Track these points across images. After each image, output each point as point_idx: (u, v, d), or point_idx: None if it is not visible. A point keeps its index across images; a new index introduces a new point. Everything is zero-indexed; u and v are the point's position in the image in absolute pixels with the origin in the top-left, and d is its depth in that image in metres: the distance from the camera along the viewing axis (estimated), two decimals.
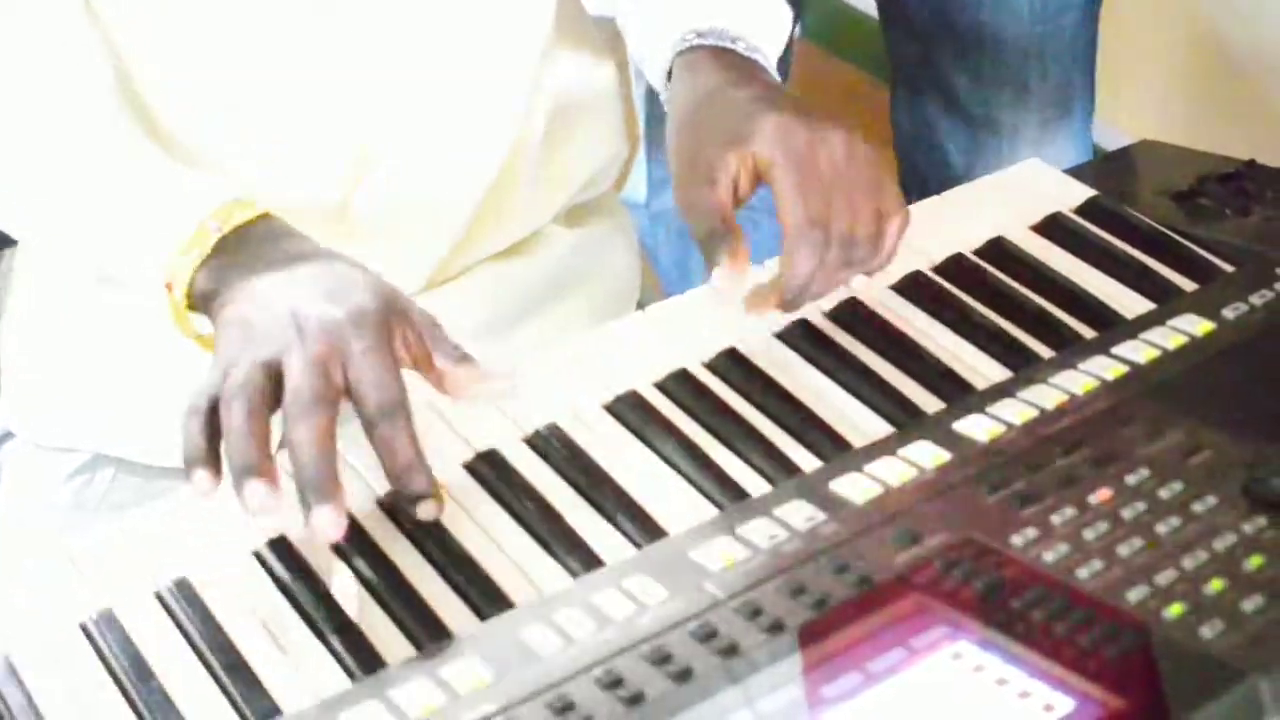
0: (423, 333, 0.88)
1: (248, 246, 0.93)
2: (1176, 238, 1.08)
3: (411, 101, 1.13)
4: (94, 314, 1.16)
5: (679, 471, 0.91)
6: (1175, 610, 0.75)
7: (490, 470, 0.91)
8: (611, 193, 1.33)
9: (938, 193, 1.15)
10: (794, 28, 1.85)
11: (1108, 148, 1.96)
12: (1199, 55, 2.48)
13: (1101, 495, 0.83)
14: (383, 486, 0.89)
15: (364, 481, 0.90)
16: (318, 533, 0.80)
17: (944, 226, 1.09)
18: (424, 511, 0.84)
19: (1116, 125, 2.16)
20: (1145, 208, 1.12)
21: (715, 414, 0.95)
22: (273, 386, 0.84)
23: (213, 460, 0.83)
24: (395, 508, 0.89)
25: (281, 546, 0.86)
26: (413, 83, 1.12)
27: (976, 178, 1.21)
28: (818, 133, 0.97)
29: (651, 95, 1.78)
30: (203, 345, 0.94)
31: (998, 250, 1.07)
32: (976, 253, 1.07)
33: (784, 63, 1.17)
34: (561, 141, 1.21)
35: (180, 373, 1.13)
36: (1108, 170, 1.21)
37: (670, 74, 1.07)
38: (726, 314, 1.00)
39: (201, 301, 0.93)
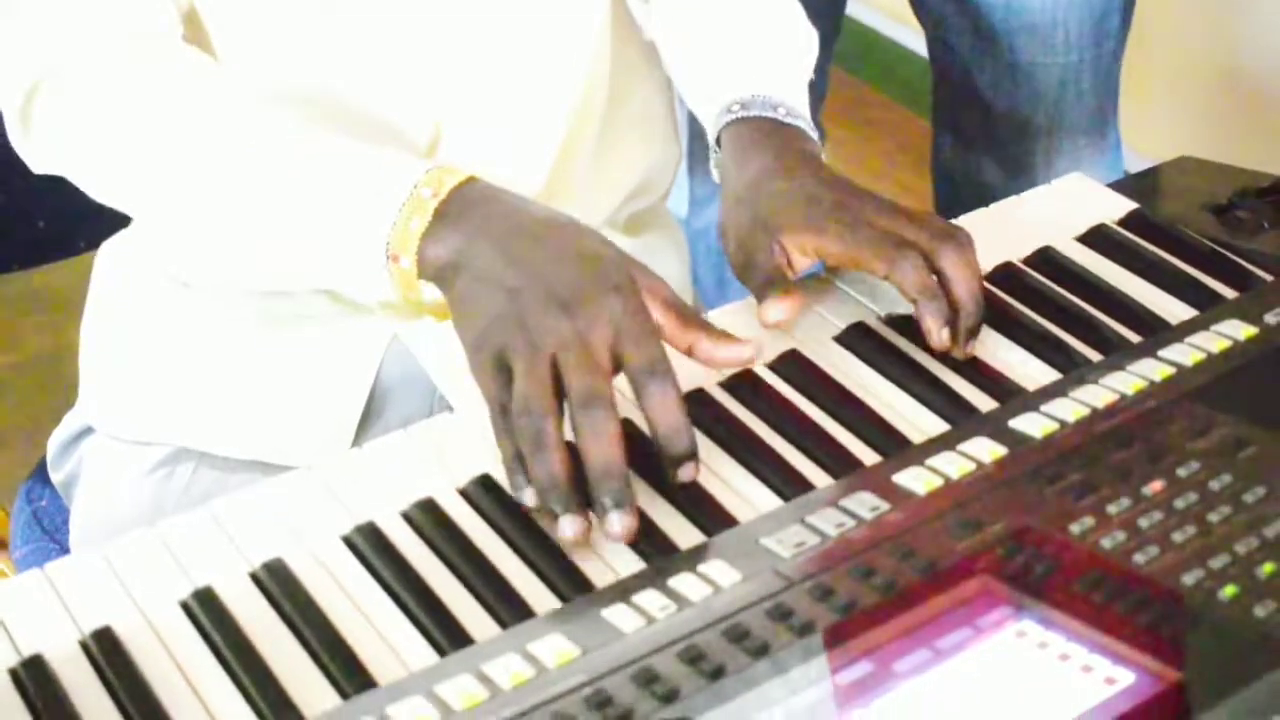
0: (665, 297, 0.94)
1: (472, 210, 0.96)
2: (1217, 248, 1.12)
3: (473, 93, 1.17)
4: (174, 311, 1.21)
5: (744, 465, 0.95)
6: (1230, 591, 0.79)
7: None
8: (664, 205, 1.38)
9: None
10: (829, 57, 1.91)
11: (1128, 169, 2.01)
12: (1216, 78, 2.52)
13: (1155, 487, 0.87)
14: (464, 477, 0.93)
15: (447, 473, 0.94)
16: (613, 534, 0.88)
17: (992, 237, 1.12)
18: (684, 473, 0.91)
19: (1134, 148, 2.21)
20: (1185, 221, 1.16)
21: (778, 411, 0.99)
22: (556, 373, 0.90)
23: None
24: (475, 495, 0.93)
25: (368, 531, 0.91)
26: (475, 72, 1.16)
27: None
28: (860, 204, 1.04)
29: (694, 116, 1.83)
30: (434, 315, 0.98)
31: (1045, 259, 1.12)
32: (1025, 261, 1.11)
33: (817, 89, 1.22)
34: (613, 144, 1.26)
35: (258, 367, 1.19)
36: (1146, 185, 1.25)
37: (719, 141, 1.13)
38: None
39: (436, 269, 0.96)
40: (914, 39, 2.85)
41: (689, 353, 0.96)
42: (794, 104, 1.13)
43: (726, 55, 1.17)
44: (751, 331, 1.03)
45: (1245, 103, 2.49)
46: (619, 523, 0.88)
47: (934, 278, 1.00)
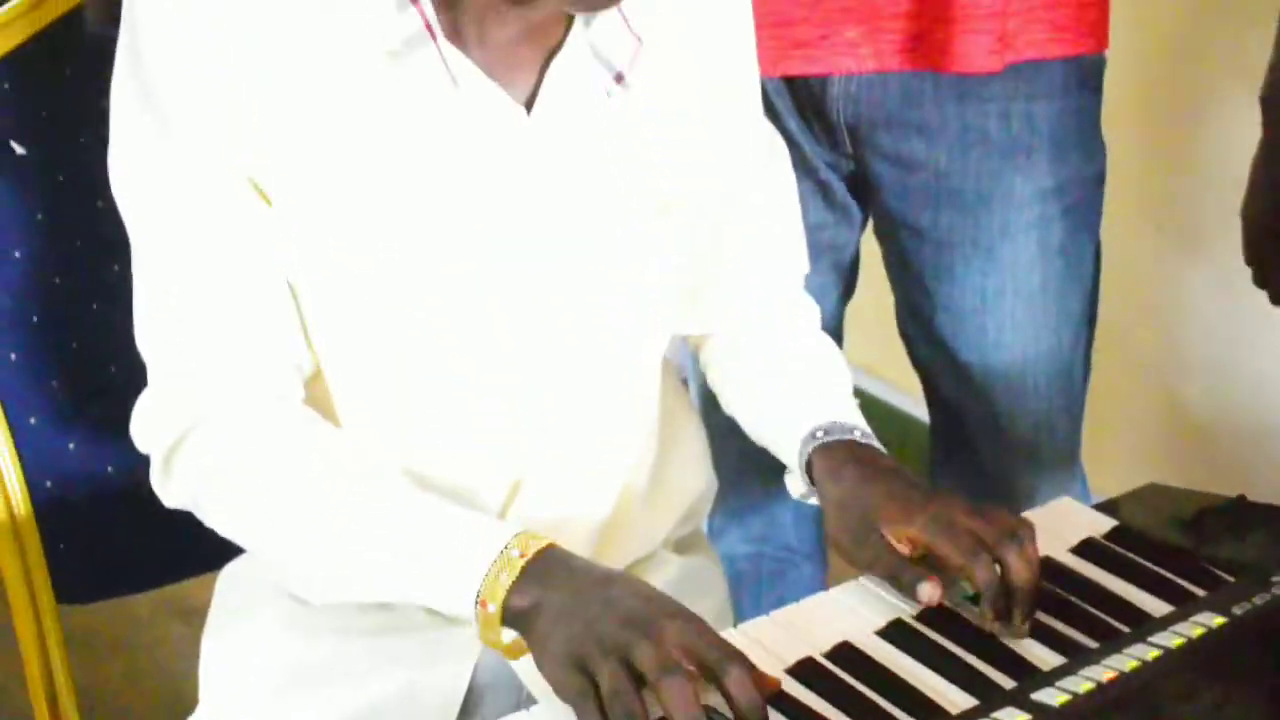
0: (709, 634, 1.13)
1: (551, 569, 1.17)
2: (1189, 556, 1.33)
3: (547, 452, 1.37)
4: (289, 623, 1.39)
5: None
6: None
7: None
8: (702, 530, 1.59)
9: None
10: None
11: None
12: (1167, 422, 2.74)
13: None
14: None
15: None
16: None
17: None
18: None
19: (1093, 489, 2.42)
20: (1159, 534, 1.38)
21: (838, 691, 1.18)
22: (635, 675, 1.09)
23: None
24: None
25: None
26: (549, 435, 1.37)
27: None
28: (946, 505, 1.28)
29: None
30: (506, 653, 1.18)
31: (1045, 566, 1.31)
32: None
33: None
34: (664, 480, 1.48)
35: (365, 672, 1.37)
36: (1124, 506, 1.47)
37: (809, 462, 1.37)
38: (836, 616, 1.25)
39: (518, 614, 1.17)
40: (888, 393, 3.09)
41: None
42: (865, 427, 1.38)
43: (797, 392, 1.42)
44: (772, 642, 1.24)
45: (1186, 442, 2.71)
46: None
47: (997, 574, 1.22)
